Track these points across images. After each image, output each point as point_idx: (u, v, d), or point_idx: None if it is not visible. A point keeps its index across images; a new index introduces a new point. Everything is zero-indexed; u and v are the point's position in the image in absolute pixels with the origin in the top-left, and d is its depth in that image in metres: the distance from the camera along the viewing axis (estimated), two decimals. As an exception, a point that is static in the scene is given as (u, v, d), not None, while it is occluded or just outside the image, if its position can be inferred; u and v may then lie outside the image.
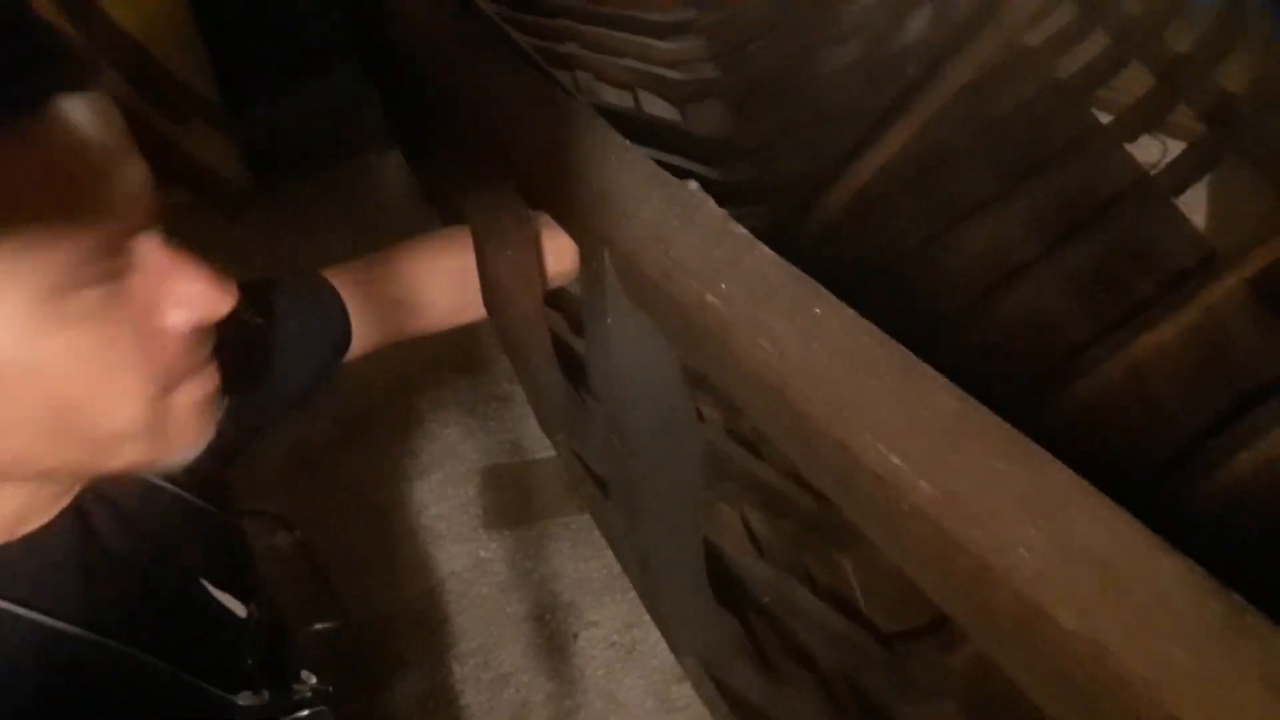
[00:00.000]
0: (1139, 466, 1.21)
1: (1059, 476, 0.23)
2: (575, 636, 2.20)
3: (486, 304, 0.75)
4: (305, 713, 0.62)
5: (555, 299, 1.07)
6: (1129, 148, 1.62)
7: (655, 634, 2.03)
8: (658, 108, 2.28)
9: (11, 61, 0.37)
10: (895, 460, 0.24)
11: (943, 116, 1.85)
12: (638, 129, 2.14)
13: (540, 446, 2.58)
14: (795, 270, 0.32)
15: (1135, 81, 1.63)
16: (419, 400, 2.67)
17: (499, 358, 2.76)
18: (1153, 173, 1.51)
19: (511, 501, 2.44)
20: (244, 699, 0.56)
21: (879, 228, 1.81)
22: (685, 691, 2.07)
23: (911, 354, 0.28)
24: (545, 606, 2.23)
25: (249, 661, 0.60)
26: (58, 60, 0.39)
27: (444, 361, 2.67)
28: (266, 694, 0.58)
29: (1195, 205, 1.56)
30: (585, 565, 2.34)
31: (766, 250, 0.33)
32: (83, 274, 0.40)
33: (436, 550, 2.24)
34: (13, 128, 0.37)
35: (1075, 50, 1.81)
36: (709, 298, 0.32)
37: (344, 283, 0.75)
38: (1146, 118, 1.55)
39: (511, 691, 2.05)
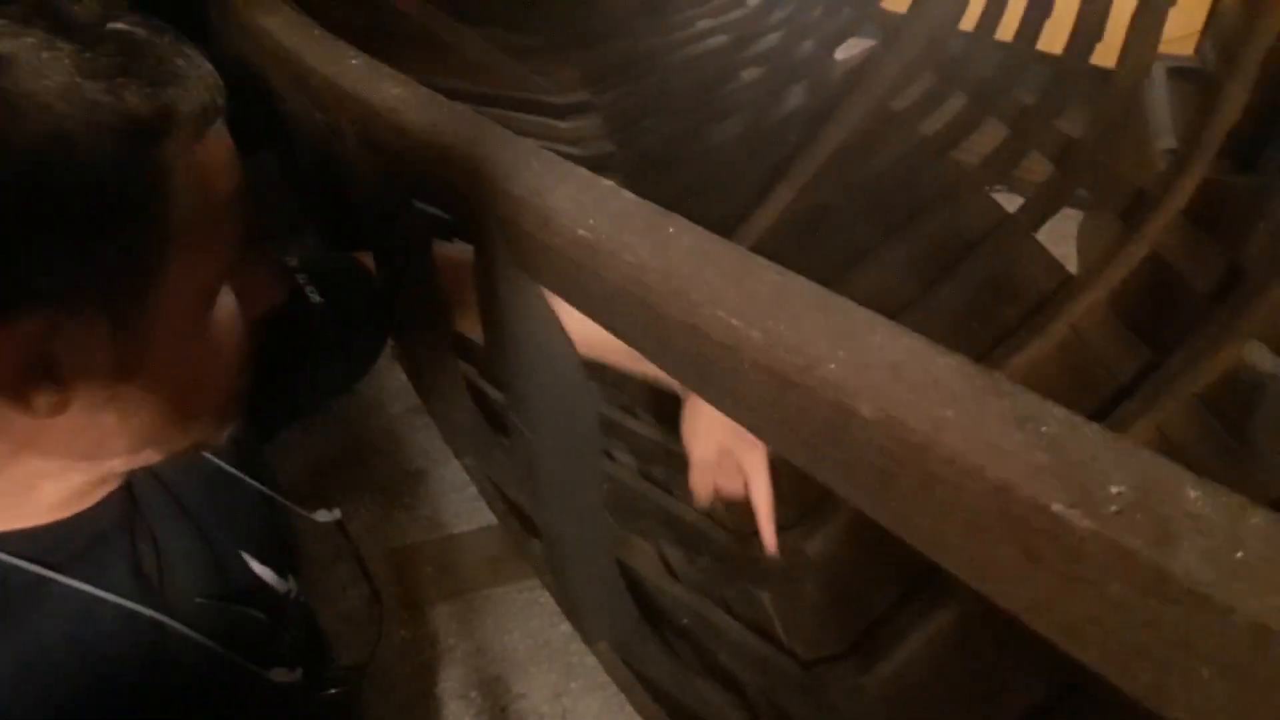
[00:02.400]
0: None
1: (860, 314, 0.28)
2: (504, 710, 2.15)
3: (394, 334, 0.78)
4: (335, 690, 0.62)
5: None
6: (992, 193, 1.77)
7: (584, 701, 2.01)
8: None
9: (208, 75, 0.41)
10: (734, 321, 0.29)
11: (822, 177, 1.98)
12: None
13: (458, 520, 2.56)
14: (653, 205, 0.37)
15: (991, 134, 1.79)
16: (333, 485, 2.62)
17: (412, 434, 2.74)
18: (1012, 211, 1.64)
19: (431, 578, 2.39)
20: (278, 675, 0.56)
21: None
22: (616, 756, 2.04)
23: (747, 251, 0.33)
24: (470, 683, 2.18)
25: (285, 637, 0.60)
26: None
27: (358, 441, 2.64)
28: (300, 670, 0.58)
29: (1053, 238, 1.70)
30: (509, 637, 2.31)
31: (629, 194, 0.38)
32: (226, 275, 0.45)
33: (356, 634, 2.18)
34: (208, 134, 0.41)
35: (937, 112, 1.97)
36: (580, 232, 0.36)
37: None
38: (1003, 165, 1.70)
39: (439, 774, 1.98)
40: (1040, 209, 1.56)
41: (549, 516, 0.59)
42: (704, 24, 2.70)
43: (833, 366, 0.26)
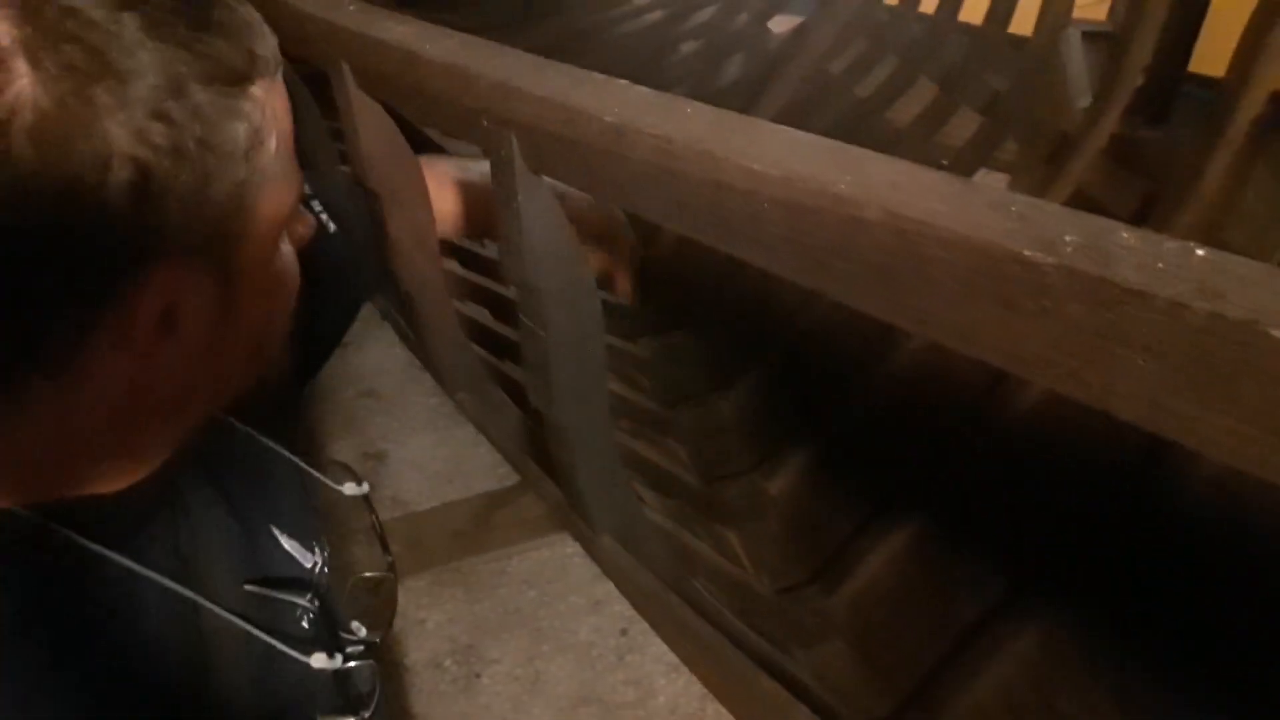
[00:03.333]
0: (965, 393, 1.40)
1: (858, 150, 0.34)
2: (478, 676, 2.19)
3: (391, 274, 0.82)
4: (354, 664, 0.61)
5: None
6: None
7: (556, 661, 2.06)
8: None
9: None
10: (755, 167, 0.35)
11: (765, 142, 2.05)
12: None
13: (420, 499, 2.59)
14: (665, 94, 0.43)
15: (924, 92, 1.89)
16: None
17: (369, 418, 2.76)
18: (945, 162, 1.74)
19: (397, 555, 2.41)
20: (318, 660, 0.55)
21: (710, 251, 1.98)
22: (592, 712, 2.10)
23: (757, 119, 0.39)
24: (443, 652, 2.21)
25: (303, 622, 0.58)
26: None
27: (319, 425, 2.65)
28: (340, 657, 0.56)
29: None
30: (479, 606, 2.34)
31: (643, 87, 0.44)
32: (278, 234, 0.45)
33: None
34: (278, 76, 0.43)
35: (870, 74, 2.06)
36: (607, 119, 0.42)
37: (433, 175, 0.77)
38: (935, 120, 1.80)
39: (417, 742, 2.02)
40: (972, 157, 1.66)
41: (560, 411, 0.64)
42: (640, 0, 2.76)
43: (842, 187, 0.32)
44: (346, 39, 0.65)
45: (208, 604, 0.49)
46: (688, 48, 2.56)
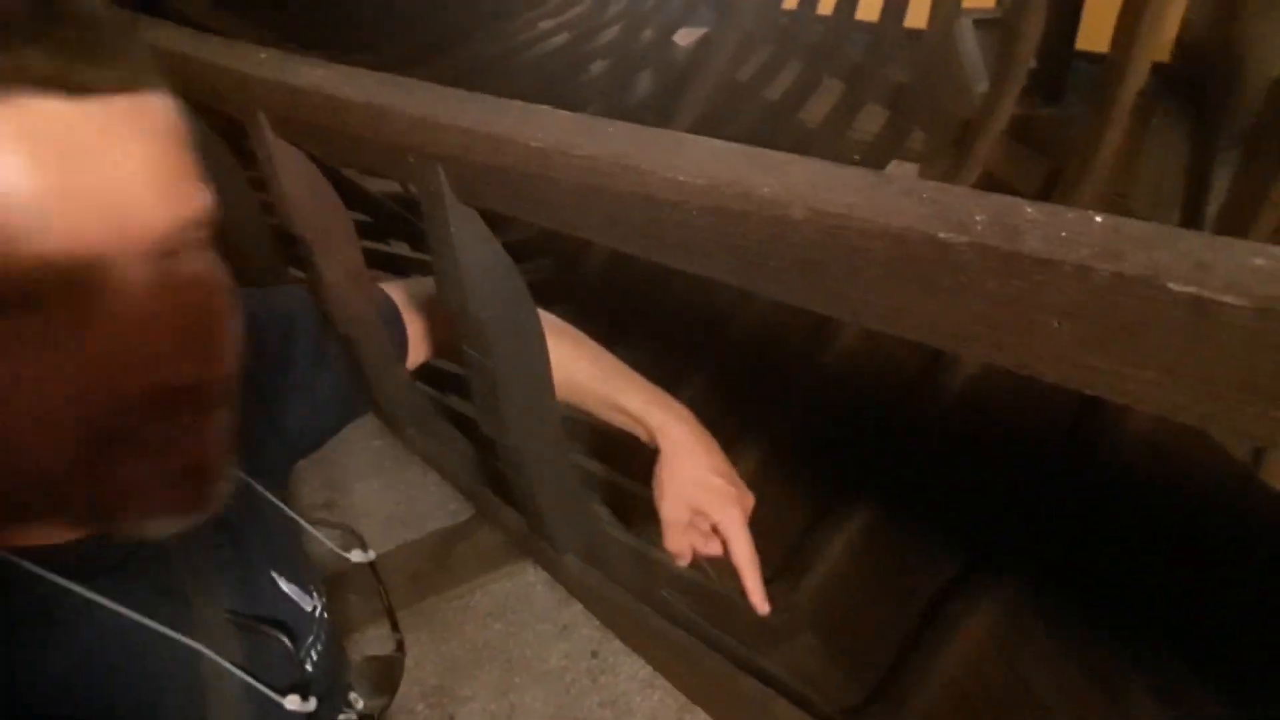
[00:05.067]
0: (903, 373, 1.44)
1: (778, 155, 0.36)
2: (452, 717, 2.17)
3: (328, 316, 0.81)
4: None
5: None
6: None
7: (530, 692, 2.05)
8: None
9: None
10: (680, 178, 0.37)
11: (682, 153, 2.08)
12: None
13: (375, 543, 2.53)
14: (586, 116, 0.44)
15: (831, 90, 1.94)
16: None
17: (312, 468, 2.71)
18: (857, 157, 1.80)
19: (356, 605, 2.38)
20: (291, 703, 0.54)
21: (640, 265, 2.00)
22: (570, 744, 2.09)
23: (679, 133, 0.40)
24: (414, 696, 2.18)
25: (306, 665, 0.58)
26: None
27: (259, 480, 2.58)
28: (314, 701, 0.55)
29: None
30: (447, 646, 2.32)
31: (563, 111, 0.45)
32: (29, 288, 0.35)
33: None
34: None
35: (777, 79, 2.12)
36: (533, 144, 0.43)
37: (400, 300, 0.74)
38: (845, 117, 1.85)
39: (395, 790, 1.98)
40: (884, 147, 1.71)
41: (513, 437, 0.65)
42: (545, 24, 2.79)
43: (765, 190, 0.34)
44: (261, 88, 0.65)
45: (191, 643, 0.48)
46: (597, 67, 2.59)
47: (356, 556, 0.67)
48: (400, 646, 0.70)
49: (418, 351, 0.76)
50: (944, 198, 0.30)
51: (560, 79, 2.59)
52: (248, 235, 0.98)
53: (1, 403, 0.37)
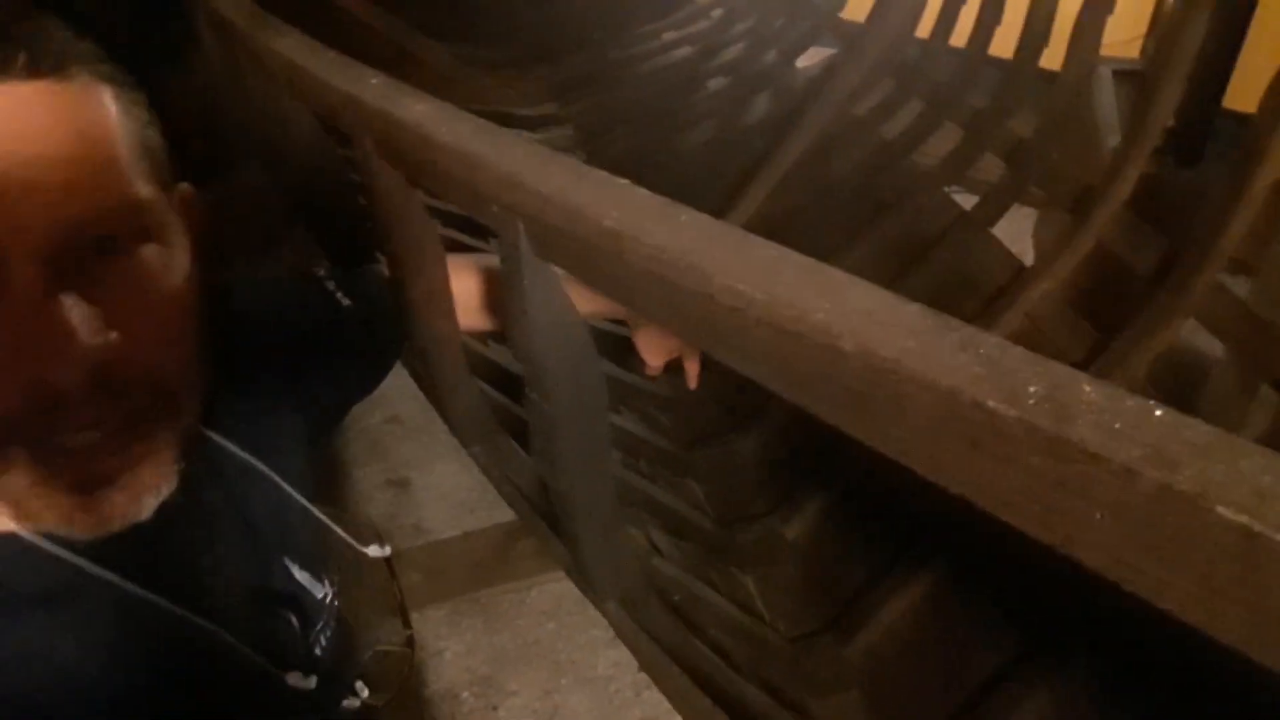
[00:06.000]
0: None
1: (839, 275, 0.35)
2: (495, 709, 2.20)
3: (407, 333, 0.84)
4: (350, 708, 0.62)
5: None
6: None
7: (574, 696, 2.07)
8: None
9: None
10: (741, 287, 0.36)
11: (788, 182, 2.07)
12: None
13: (443, 527, 2.60)
14: (664, 199, 0.44)
15: (948, 137, 1.89)
16: (317, 496, 2.65)
17: (394, 444, 2.79)
18: (969, 209, 1.74)
19: (419, 584, 2.44)
20: (292, 679, 0.55)
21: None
22: (608, 749, 2.10)
23: (747, 233, 0.40)
24: (462, 683, 2.22)
25: (315, 649, 0.59)
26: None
27: (340, 453, 2.68)
28: (314, 679, 0.56)
29: (1012, 234, 1.80)
30: (498, 638, 2.35)
31: (642, 190, 0.45)
32: None
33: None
34: None
35: (896, 117, 2.07)
36: (606, 223, 0.43)
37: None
38: (959, 165, 1.80)
39: (434, 773, 2.02)
40: (994, 206, 1.66)
41: (564, 481, 0.66)
42: (669, 36, 2.79)
43: (820, 315, 0.33)
44: (368, 112, 0.67)
45: (196, 618, 0.49)
46: (715, 84, 2.58)
47: (373, 551, 0.68)
48: (410, 642, 0.71)
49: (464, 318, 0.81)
50: (1001, 359, 0.29)
51: (677, 92, 2.59)
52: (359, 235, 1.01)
53: None
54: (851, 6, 2.42)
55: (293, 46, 0.84)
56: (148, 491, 0.44)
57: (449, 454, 2.67)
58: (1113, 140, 2.18)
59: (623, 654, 1.92)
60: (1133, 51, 2.67)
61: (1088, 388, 0.27)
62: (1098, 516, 0.26)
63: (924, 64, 2.10)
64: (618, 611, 0.80)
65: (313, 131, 0.90)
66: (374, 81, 0.70)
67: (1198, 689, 1.03)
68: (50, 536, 0.44)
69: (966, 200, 1.87)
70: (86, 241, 0.38)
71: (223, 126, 1.67)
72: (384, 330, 0.80)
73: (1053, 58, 1.84)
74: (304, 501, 0.62)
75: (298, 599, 0.59)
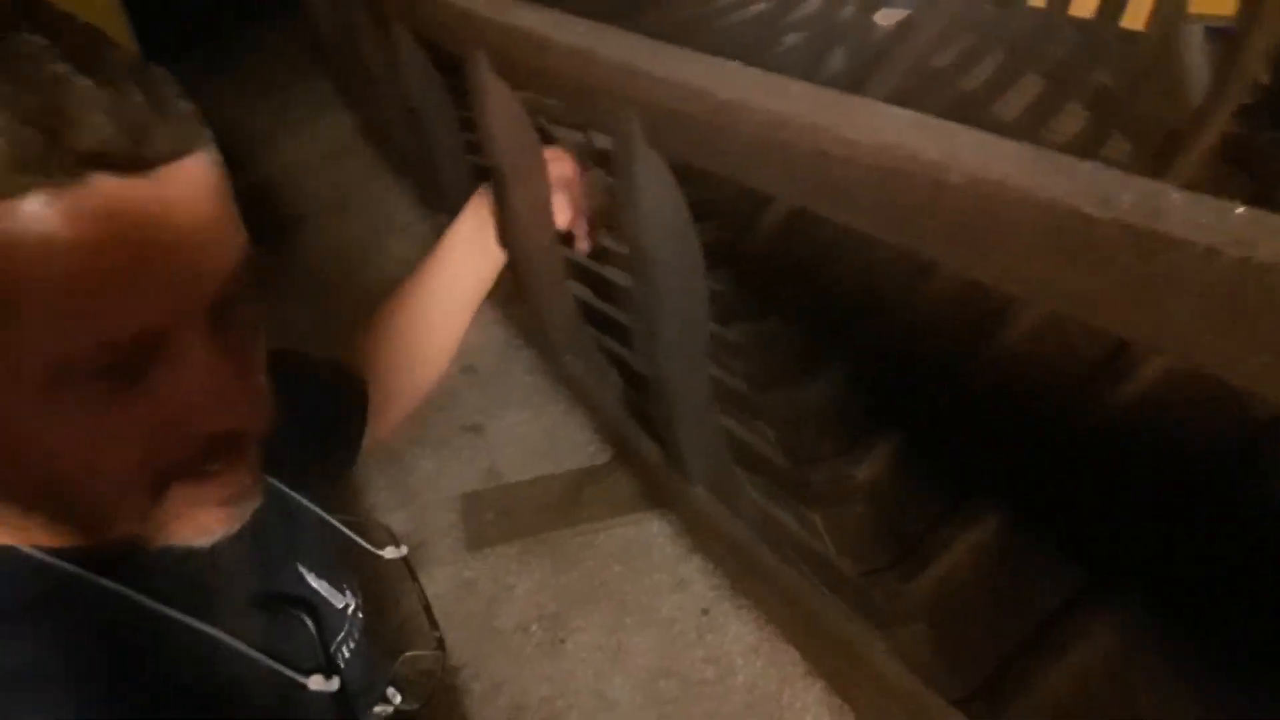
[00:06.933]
0: (1060, 384, 1.40)
1: (939, 121, 0.39)
2: (562, 642, 2.26)
3: (503, 242, 0.89)
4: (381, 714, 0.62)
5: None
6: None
7: (638, 636, 2.12)
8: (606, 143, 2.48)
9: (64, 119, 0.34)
10: (852, 136, 0.40)
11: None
12: (593, 157, 2.33)
13: (516, 470, 2.67)
14: (773, 74, 0.48)
15: (1030, 86, 1.87)
16: (394, 436, 2.73)
17: (468, 392, 2.86)
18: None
19: (492, 523, 2.52)
20: (315, 683, 0.55)
21: (818, 233, 2.01)
22: (671, 686, 2.16)
23: (853, 96, 0.44)
24: (531, 618, 2.29)
25: (338, 660, 0.59)
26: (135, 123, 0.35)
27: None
28: (337, 680, 0.56)
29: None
30: (566, 577, 2.41)
31: (754, 68, 0.49)
32: (94, 365, 0.36)
33: (420, 574, 2.29)
34: (61, 189, 0.34)
35: (976, 69, 2.06)
36: (723, 97, 0.48)
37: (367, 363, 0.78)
38: (1043, 113, 1.78)
39: (505, 698, 2.10)
40: (1079, 153, 1.64)
41: (666, 366, 0.70)
42: (746, -9, 2.80)
43: (929, 154, 0.37)
44: (482, 25, 0.72)
45: (212, 630, 0.49)
46: (792, 39, 2.58)
47: (390, 553, 0.67)
48: (440, 644, 0.70)
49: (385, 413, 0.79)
50: (1096, 176, 0.32)
51: (754, 48, 2.60)
52: (449, 172, 1.07)
53: (73, 454, 0.38)
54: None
55: (406, -29, 0.89)
56: (260, 497, 0.47)
57: (521, 403, 2.73)
58: (1199, 98, 2.13)
59: (686, 598, 1.97)
60: (1229, 9, 2.59)
61: (1175, 195, 0.30)
62: (1182, 302, 0.29)
63: (1004, 19, 2.08)
64: (705, 496, 0.84)
65: (422, 63, 0.95)
66: (487, -2, 0.75)
67: (1251, 620, 1.04)
68: (43, 548, 0.44)
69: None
70: (231, 293, 0.41)
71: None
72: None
73: (1135, 19, 1.81)
74: (319, 511, 0.63)
75: (310, 603, 0.59)
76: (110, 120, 0.34)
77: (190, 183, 0.38)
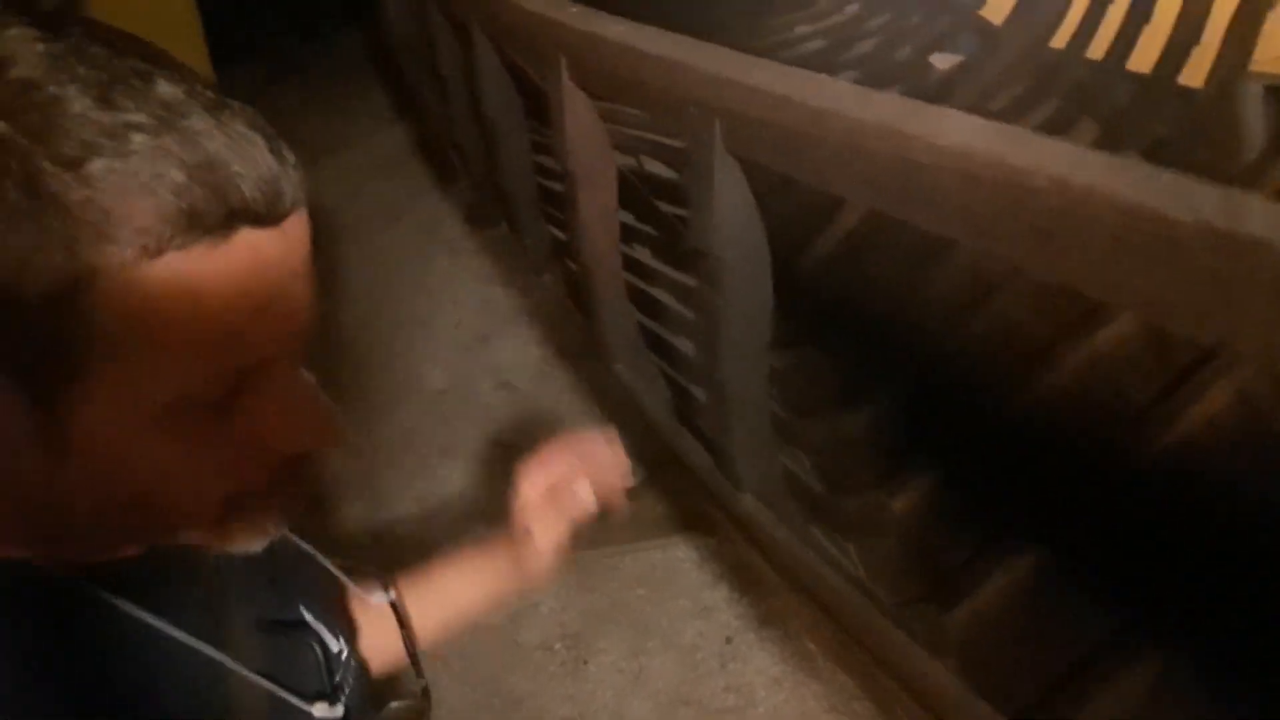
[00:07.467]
0: (1106, 427, 1.39)
1: (1020, 130, 0.41)
2: (585, 663, 2.26)
3: (572, 249, 0.92)
4: None
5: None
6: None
7: (660, 660, 2.12)
8: (658, 168, 2.51)
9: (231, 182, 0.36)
10: (938, 142, 0.42)
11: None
12: (643, 185, 2.37)
13: (545, 484, 2.66)
14: (857, 85, 0.51)
15: (1085, 134, 1.88)
16: (426, 449, 2.76)
17: (504, 409, 2.89)
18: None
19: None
20: (319, 710, 0.56)
21: (864, 265, 2.03)
22: (691, 713, 2.15)
23: (938, 106, 0.46)
24: (554, 636, 2.29)
25: (338, 684, 0.60)
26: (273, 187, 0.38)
27: (449, 412, 2.79)
28: (341, 706, 0.57)
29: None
30: (591, 596, 2.42)
31: (840, 80, 0.52)
32: (207, 397, 0.39)
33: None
34: (217, 242, 0.36)
35: (1031, 114, 2.07)
36: (811, 103, 0.50)
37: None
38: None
39: (523, 715, 2.10)
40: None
41: (725, 369, 0.72)
42: (802, 29, 2.84)
43: (1015, 159, 0.39)
44: (567, 35, 0.75)
45: (225, 659, 0.50)
46: (847, 78, 2.61)
47: (377, 599, 0.68)
48: (425, 693, 0.69)
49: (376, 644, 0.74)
50: (1175, 184, 0.34)
51: (808, 84, 2.63)
52: (515, 172, 1.10)
53: (165, 474, 0.40)
54: (990, 8, 2.42)
55: (492, -15, 0.92)
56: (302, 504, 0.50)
57: (557, 421, 2.76)
58: (1253, 155, 2.13)
59: (710, 626, 1.97)
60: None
61: (1257, 203, 0.32)
62: (1259, 302, 0.31)
63: (1062, 67, 2.10)
64: (754, 504, 0.85)
65: (497, 68, 0.99)
66: (573, 9, 0.78)
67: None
68: (57, 565, 0.45)
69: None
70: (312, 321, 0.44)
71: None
72: None
73: (1192, 75, 1.82)
74: (308, 548, 0.64)
75: (314, 641, 0.60)
76: (249, 173, 0.36)
77: (301, 226, 0.41)
